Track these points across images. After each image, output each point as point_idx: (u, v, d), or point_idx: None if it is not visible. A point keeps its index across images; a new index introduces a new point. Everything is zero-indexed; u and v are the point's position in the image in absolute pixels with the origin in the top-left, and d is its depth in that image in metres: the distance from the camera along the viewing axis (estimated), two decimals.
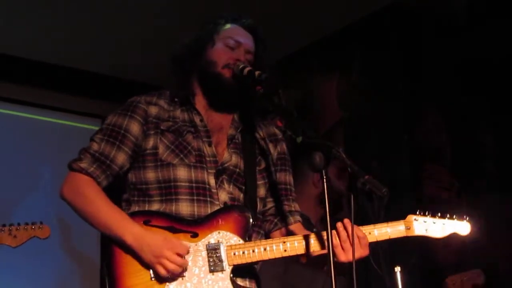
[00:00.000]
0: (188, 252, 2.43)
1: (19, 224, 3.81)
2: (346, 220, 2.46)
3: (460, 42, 5.02)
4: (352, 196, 2.34)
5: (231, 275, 2.45)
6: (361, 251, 2.46)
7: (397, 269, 3.02)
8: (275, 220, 2.77)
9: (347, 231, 2.44)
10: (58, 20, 5.17)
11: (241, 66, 2.60)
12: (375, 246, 2.63)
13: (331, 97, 5.52)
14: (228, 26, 2.75)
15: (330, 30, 5.43)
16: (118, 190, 2.68)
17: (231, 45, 2.69)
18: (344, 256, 2.43)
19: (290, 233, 2.72)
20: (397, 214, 2.76)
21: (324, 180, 2.28)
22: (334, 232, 2.43)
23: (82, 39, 5.40)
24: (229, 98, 2.66)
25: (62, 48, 5.50)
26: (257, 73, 2.55)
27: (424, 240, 2.64)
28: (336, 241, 2.43)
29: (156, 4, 5.05)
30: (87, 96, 5.94)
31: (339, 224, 2.46)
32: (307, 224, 2.96)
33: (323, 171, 2.27)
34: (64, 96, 5.86)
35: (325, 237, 2.39)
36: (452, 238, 2.64)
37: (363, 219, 2.88)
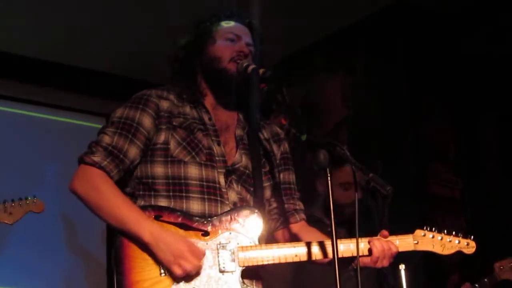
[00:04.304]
0: (204, 255, 2.41)
1: (13, 200, 3.76)
2: (385, 233, 2.56)
3: (464, 41, 5.03)
4: (356, 195, 2.35)
5: (240, 276, 2.44)
6: (386, 262, 2.55)
7: (402, 267, 3.02)
8: (281, 219, 2.77)
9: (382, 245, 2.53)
10: (61, 19, 5.18)
11: (245, 64, 2.59)
12: None
13: (335, 95, 5.52)
14: (224, 23, 2.75)
15: (334, 29, 5.43)
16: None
17: (232, 38, 2.69)
18: (375, 265, 2.53)
19: (295, 231, 2.73)
20: (400, 213, 2.76)
21: (329, 177, 2.27)
22: (370, 242, 2.53)
23: (86, 38, 5.41)
24: (236, 92, 2.64)
25: (66, 47, 5.50)
26: (261, 71, 2.54)
27: None
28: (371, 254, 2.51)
29: (157, 4, 5.05)
30: (91, 95, 5.94)
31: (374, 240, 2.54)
32: (320, 225, 2.95)
33: (328, 169, 2.27)
34: (68, 94, 5.86)
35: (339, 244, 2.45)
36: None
37: (367, 218, 2.89)
